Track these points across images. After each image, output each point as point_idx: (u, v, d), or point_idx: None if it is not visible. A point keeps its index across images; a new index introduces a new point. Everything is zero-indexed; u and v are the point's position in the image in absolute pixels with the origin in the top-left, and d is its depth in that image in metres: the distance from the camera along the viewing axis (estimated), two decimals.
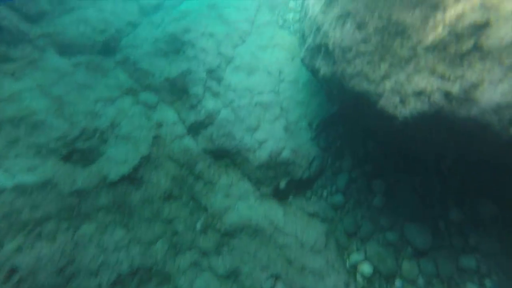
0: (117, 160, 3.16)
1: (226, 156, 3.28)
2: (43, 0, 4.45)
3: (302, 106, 3.67)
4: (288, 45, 4.38)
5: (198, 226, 3.00)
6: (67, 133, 3.17)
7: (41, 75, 3.70)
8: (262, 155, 3.18)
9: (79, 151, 3.11)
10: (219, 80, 3.80)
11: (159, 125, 3.49)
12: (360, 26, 2.14)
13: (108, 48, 4.59)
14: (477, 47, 1.82)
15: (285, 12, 4.82)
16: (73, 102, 3.56)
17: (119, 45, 4.70)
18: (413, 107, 1.97)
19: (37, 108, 3.27)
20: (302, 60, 2.94)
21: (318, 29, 2.60)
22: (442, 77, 1.90)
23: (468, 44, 1.83)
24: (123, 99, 3.83)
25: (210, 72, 3.83)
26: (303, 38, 3.16)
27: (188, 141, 3.33)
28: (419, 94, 1.97)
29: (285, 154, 3.21)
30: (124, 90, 3.94)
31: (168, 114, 3.67)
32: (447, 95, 1.83)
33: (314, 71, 2.68)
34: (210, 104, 3.50)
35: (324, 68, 2.43)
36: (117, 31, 4.79)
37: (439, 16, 1.98)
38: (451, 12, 1.93)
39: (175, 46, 4.29)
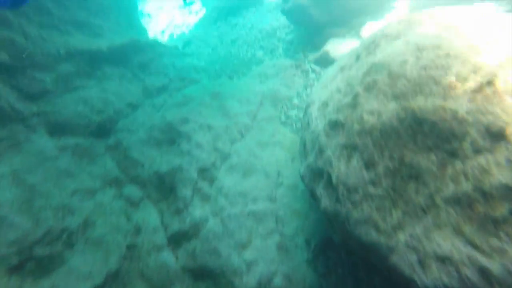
0: (80, 273, 2.68)
1: (208, 277, 2.79)
2: (48, 80, 4.42)
3: (299, 218, 3.30)
4: (289, 144, 4.19)
5: None
6: (27, 234, 2.75)
7: (20, 159, 3.43)
8: (250, 281, 2.70)
9: (36, 259, 2.66)
10: (211, 181, 3.50)
11: (138, 230, 3.08)
12: (368, 165, 1.87)
13: (103, 129, 4.42)
14: None
15: (288, 108, 4.76)
16: (47, 193, 3.21)
17: (115, 127, 4.55)
18: (436, 277, 1.59)
19: (1, 200, 2.91)
20: (302, 178, 2.66)
21: (321, 151, 2.36)
22: (472, 244, 1.55)
23: (501, 209, 1.53)
24: (104, 192, 3.49)
25: (203, 171, 3.55)
26: (304, 148, 2.93)
27: (167, 256, 2.88)
28: (443, 260, 1.60)
29: (277, 281, 2.73)
30: (108, 181, 3.63)
31: (150, 216, 3.29)
32: (484, 273, 1.46)
33: (314, 196, 2.37)
34: (197, 211, 3.14)
35: (325, 200, 2.12)
36: (116, 112, 4.69)
37: (458, 165, 1.72)
38: (473, 164, 1.67)
39: (171, 136, 4.11)
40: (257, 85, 5.09)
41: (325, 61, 5.24)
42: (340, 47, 5.11)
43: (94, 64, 5.17)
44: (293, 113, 4.66)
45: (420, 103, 1.86)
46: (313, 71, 5.34)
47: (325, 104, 2.81)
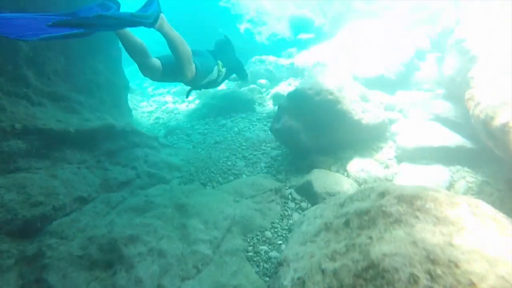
0: None
1: None
2: None
3: None
4: None
5: None
6: None
7: None
8: None
9: None
10: None
11: None
12: None
13: (28, 230, 3.56)
14: None
15: (258, 241, 4.13)
16: None
17: (46, 228, 3.70)
18: None
19: None
20: None
21: None
22: None
23: None
24: None
25: None
26: None
27: None
28: None
29: None
30: None
31: None
32: None
33: None
34: None
35: None
36: (55, 208, 3.89)
37: None
38: None
39: (111, 258, 3.28)
40: (229, 205, 4.53)
41: (307, 193, 4.86)
42: (324, 182, 4.80)
43: (53, 145, 4.58)
44: (263, 248, 4.01)
45: None
46: (293, 199, 4.91)
47: (301, 282, 2.21)
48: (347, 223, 2.63)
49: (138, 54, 3.23)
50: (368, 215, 2.43)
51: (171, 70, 3.53)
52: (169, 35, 3.22)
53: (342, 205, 3.15)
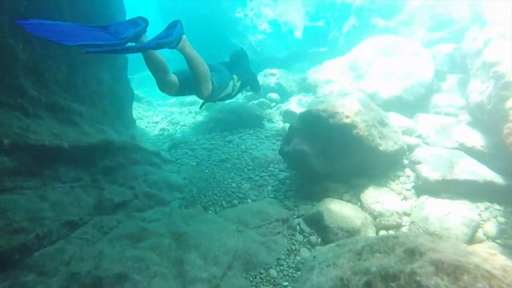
0: None
1: None
2: None
3: None
4: None
5: None
6: None
7: None
8: None
9: None
10: None
11: None
12: None
13: (5, 262, 3.19)
14: None
15: (262, 281, 3.69)
16: None
17: (26, 259, 3.33)
18: None
19: None
20: None
21: None
22: None
23: None
24: None
25: None
26: None
27: None
28: None
29: None
30: None
31: None
32: None
33: None
34: None
35: None
36: (39, 236, 3.54)
37: None
38: None
39: None
40: (231, 236, 4.12)
41: (317, 225, 4.42)
42: (336, 214, 4.36)
43: (45, 161, 4.25)
44: None
45: None
46: (302, 231, 4.47)
47: None
48: (368, 286, 2.20)
49: (159, 70, 3.30)
50: (397, 283, 2.00)
51: (187, 86, 3.59)
52: (189, 56, 3.26)
53: (360, 254, 2.72)
